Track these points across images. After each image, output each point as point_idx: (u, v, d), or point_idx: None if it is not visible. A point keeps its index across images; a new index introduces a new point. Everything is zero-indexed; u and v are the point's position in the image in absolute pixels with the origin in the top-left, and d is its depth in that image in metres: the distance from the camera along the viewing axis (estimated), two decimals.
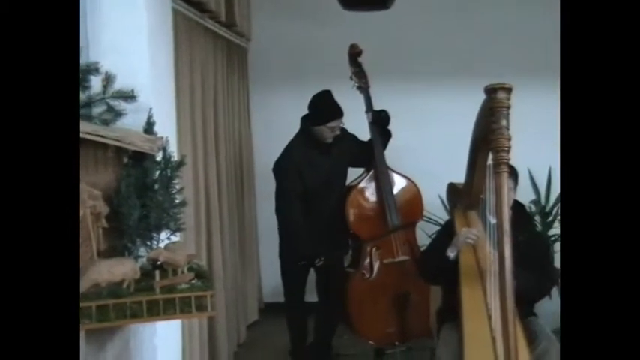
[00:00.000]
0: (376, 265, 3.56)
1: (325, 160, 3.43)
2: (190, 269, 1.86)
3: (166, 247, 1.86)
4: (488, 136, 2.03)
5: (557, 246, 4.29)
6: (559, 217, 4.34)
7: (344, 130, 3.53)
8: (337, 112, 3.38)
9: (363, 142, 3.65)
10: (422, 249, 3.41)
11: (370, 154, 3.58)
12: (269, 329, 4.40)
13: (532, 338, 2.54)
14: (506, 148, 1.98)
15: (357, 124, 3.65)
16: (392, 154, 3.73)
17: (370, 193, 3.60)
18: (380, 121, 3.60)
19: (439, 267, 2.71)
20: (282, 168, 3.40)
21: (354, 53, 3.69)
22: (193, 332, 3.04)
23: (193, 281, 1.78)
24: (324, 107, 3.38)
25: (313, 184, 3.38)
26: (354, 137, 3.63)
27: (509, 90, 2.00)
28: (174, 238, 2.00)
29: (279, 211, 3.46)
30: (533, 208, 4.37)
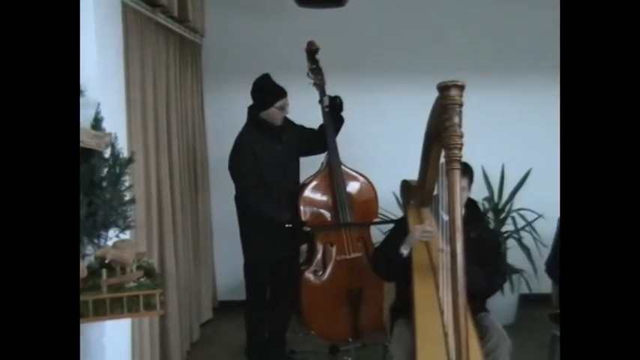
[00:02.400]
0: (329, 262, 3.56)
1: (276, 146, 3.43)
2: (139, 267, 1.82)
3: (114, 245, 1.82)
4: (441, 133, 2.04)
5: (510, 242, 4.41)
6: (511, 215, 4.44)
7: (291, 122, 3.55)
8: (281, 91, 3.41)
9: (312, 129, 3.66)
10: (376, 246, 3.43)
11: (323, 140, 3.59)
12: (223, 328, 4.36)
13: (483, 333, 2.58)
14: (458, 145, 2.00)
15: (311, 119, 3.65)
16: (346, 151, 3.74)
17: (323, 190, 3.60)
18: (335, 107, 3.63)
19: (392, 263, 2.72)
20: (237, 157, 3.39)
21: (311, 50, 3.70)
22: (144, 331, 2.98)
23: (142, 280, 1.74)
24: (268, 89, 3.40)
25: (267, 171, 3.37)
26: (301, 126, 3.64)
27: (461, 87, 2.01)
28: (123, 236, 1.95)
29: (242, 195, 3.43)
30: (487, 205, 4.45)
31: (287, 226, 3.35)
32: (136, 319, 2.67)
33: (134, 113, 2.96)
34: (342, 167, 3.63)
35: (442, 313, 2.42)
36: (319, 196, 3.60)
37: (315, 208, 3.57)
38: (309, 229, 3.34)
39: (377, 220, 3.81)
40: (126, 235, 1.98)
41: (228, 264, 4.43)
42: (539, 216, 4.34)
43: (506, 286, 4.21)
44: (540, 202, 4.32)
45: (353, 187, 3.67)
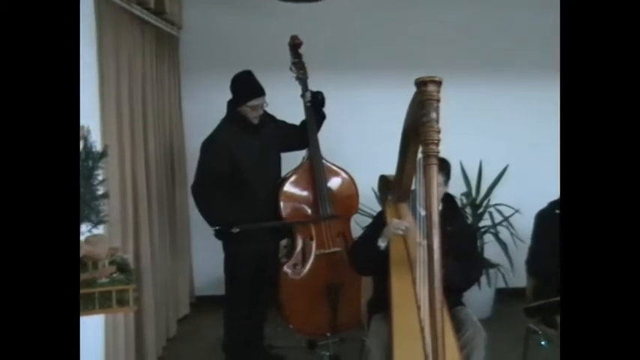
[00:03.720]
0: (308, 256, 3.55)
1: (254, 142, 3.39)
2: (112, 263, 1.80)
3: (87, 240, 1.79)
4: (419, 129, 2.04)
5: (487, 237, 4.44)
6: (489, 210, 4.47)
7: (271, 116, 3.52)
8: (257, 91, 3.35)
9: (294, 125, 3.64)
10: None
11: (304, 136, 3.58)
12: (200, 323, 4.33)
13: (459, 326, 2.60)
14: (435, 141, 2.00)
15: (291, 114, 3.63)
16: (326, 145, 3.73)
17: (304, 184, 3.58)
18: (317, 102, 3.61)
19: (369, 257, 2.72)
20: (208, 147, 3.36)
21: (295, 44, 3.69)
22: (118, 327, 2.95)
23: (115, 275, 1.72)
24: (243, 86, 3.36)
25: (245, 167, 3.34)
26: (283, 122, 3.62)
27: (439, 83, 2.01)
28: (96, 231, 1.91)
29: (195, 188, 3.40)
30: (465, 201, 4.48)
31: (214, 228, 3.30)
32: (110, 315, 2.63)
33: (108, 107, 2.91)
34: (324, 162, 3.63)
35: (419, 307, 2.43)
36: (300, 191, 3.58)
37: (295, 203, 3.56)
38: (237, 230, 3.22)
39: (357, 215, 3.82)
40: (99, 230, 1.94)
41: (206, 259, 4.39)
42: (516, 211, 4.38)
43: (484, 280, 4.25)
44: (517, 197, 4.36)
45: (334, 181, 3.66)
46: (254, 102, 3.34)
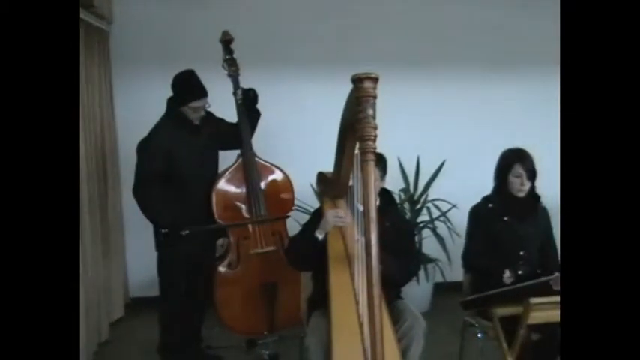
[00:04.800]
0: (243, 256, 3.51)
1: (194, 142, 3.33)
2: None
3: None
4: (355, 125, 2.03)
5: (425, 232, 4.50)
6: (427, 205, 4.53)
7: (211, 114, 3.46)
8: (199, 92, 3.29)
9: (232, 124, 3.59)
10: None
11: (239, 136, 3.53)
12: (135, 325, 4.21)
13: (398, 317, 2.64)
14: (372, 137, 2.00)
15: (227, 109, 3.57)
16: (263, 142, 3.69)
17: (236, 183, 3.54)
18: (249, 100, 3.56)
19: (307, 250, 2.71)
20: (145, 148, 3.27)
21: (226, 40, 3.63)
22: None
23: None
24: (185, 87, 3.29)
25: (184, 167, 3.27)
26: (222, 120, 3.57)
27: (375, 80, 2.00)
28: None
29: (136, 190, 3.29)
30: (403, 196, 4.52)
31: (162, 231, 3.21)
32: None
33: None
34: (257, 160, 3.58)
35: (358, 303, 2.44)
36: (233, 189, 3.53)
37: (228, 202, 3.50)
38: (187, 232, 3.15)
39: (294, 212, 3.79)
40: None
41: (141, 259, 4.28)
42: (453, 206, 4.46)
43: (422, 274, 4.31)
44: (454, 192, 4.44)
45: (268, 179, 3.63)
46: (196, 103, 3.28)
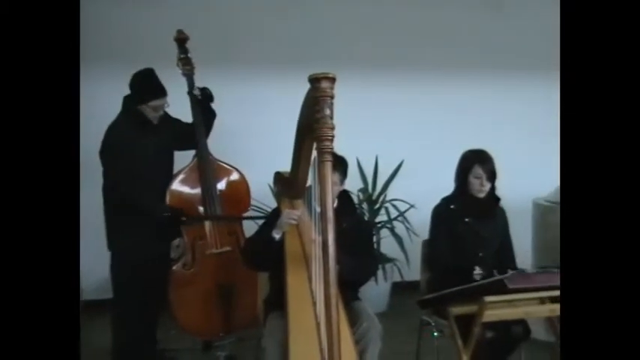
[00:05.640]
0: (198, 257, 3.47)
1: (152, 141, 3.28)
2: None
3: None
4: (313, 125, 2.03)
5: (383, 232, 4.53)
6: (385, 205, 4.56)
7: (167, 114, 3.42)
8: (160, 91, 3.26)
9: (187, 123, 3.56)
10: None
11: (195, 136, 3.50)
12: (87, 329, 4.11)
13: (355, 320, 2.64)
14: (329, 137, 1.99)
15: (181, 109, 3.52)
16: (220, 142, 3.66)
17: (191, 183, 3.50)
18: (204, 98, 3.54)
19: (264, 250, 2.70)
20: (110, 146, 3.22)
21: (180, 39, 3.58)
22: None
23: None
24: (145, 85, 3.25)
25: (142, 165, 3.22)
26: (178, 120, 3.53)
27: (333, 80, 2.00)
28: None
29: (113, 186, 3.24)
30: (361, 196, 4.54)
31: (165, 214, 3.22)
32: None
33: None
34: (213, 159, 3.55)
35: (315, 304, 2.43)
36: (187, 189, 3.50)
37: (183, 202, 3.46)
38: (185, 218, 3.21)
39: (251, 212, 3.77)
40: None
41: (93, 261, 4.18)
42: (411, 206, 4.50)
43: (380, 274, 4.33)
44: (412, 192, 4.47)
45: (223, 179, 3.60)
46: (157, 102, 3.24)
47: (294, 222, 2.67)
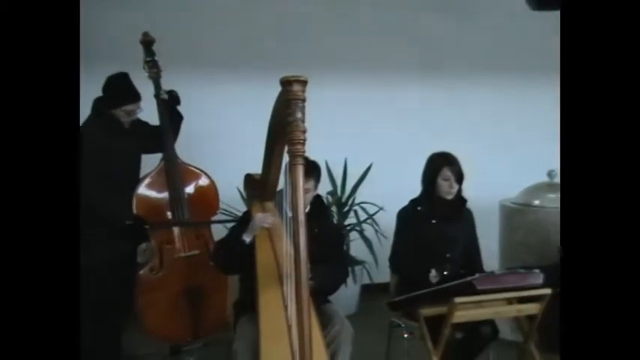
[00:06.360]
0: (165, 261, 3.43)
1: (123, 145, 3.24)
2: None
3: None
4: (284, 129, 2.02)
5: (352, 235, 4.54)
6: (354, 208, 4.58)
7: (136, 118, 3.37)
8: (134, 95, 3.25)
9: (155, 126, 3.53)
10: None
11: (162, 139, 3.47)
12: None
13: (326, 323, 2.64)
14: (301, 140, 1.99)
15: (149, 112, 3.48)
16: (188, 145, 3.62)
17: (158, 187, 3.47)
18: (171, 100, 3.52)
19: (234, 253, 2.68)
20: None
21: (146, 41, 3.55)
22: None
23: None
24: (120, 89, 3.22)
25: (110, 171, 3.18)
26: (145, 123, 3.50)
27: (304, 83, 2.00)
28: None
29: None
30: (330, 199, 4.55)
31: (127, 223, 3.17)
32: None
33: None
34: (180, 163, 3.52)
35: (286, 307, 2.42)
36: (155, 194, 3.47)
37: (150, 206, 3.42)
38: (148, 226, 3.17)
39: (220, 216, 3.74)
40: None
41: None
42: (380, 209, 4.52)
43: (349, 277, 4.33)
44: (381, 195, 4.49)
45: (191, 183, 3.57)
46: (130, 107, 3.22)
47: (267, 225, 2.65)
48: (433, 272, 2.96)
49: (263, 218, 2.64)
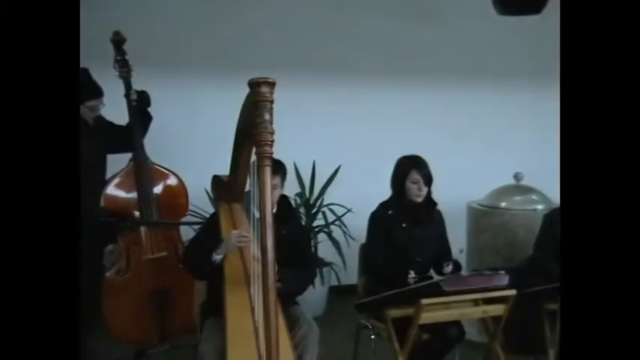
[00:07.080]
0: (133, 263, 3.39)
1: (87, 143, 3.17)
2: None
3: None
4: (252, 130, 2.02)
5: (320, 236, 4.54)
6: (322, 209, 4.58)
7: (101, 116, 3.35)
8: (97, 91, 3.22)
9: (123, 126, 3.49)
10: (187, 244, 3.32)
11: (130, 139, 3.43)
12: None
13: (293, 325, 2.63)
14: (269, 142, 1.99)
15: (115, 113, 3.45)
16: (157, 145, 3.58)
17: (127, 187, 3.43)
18: (141, 101, 3.49)
19: (204, 267, 2.64)
20: None
21: (117, 40, 3.50)
22: None
23: None
24: (82, 85, 3.14)
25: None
26: (111, 122, 3.46)
27: (272, 84, 2.00)
28: None
29: None
30: (299, 201, 4.54)
31: (102, 219, 3.14)
32: None
33: None
34: (150, 164, 3.48)
35: (253, 309, 2.41)
36: (123, 194, 3.42)
37: (118, 207, 3.38)
38: (128, 223, 3.15)
39: (189, 217, 3.71)
40: None
41: None
42: (349, 210, 4.53)
43: (317, 279, 4.33)
44: (349, 197, 4.51)
45: (160, 183, 3.53)
46: (93, 102, 3.19)
47: (243, 245, 2.58)
48: (412, 274, 2.96)
49: (239, 239, 2.56)
